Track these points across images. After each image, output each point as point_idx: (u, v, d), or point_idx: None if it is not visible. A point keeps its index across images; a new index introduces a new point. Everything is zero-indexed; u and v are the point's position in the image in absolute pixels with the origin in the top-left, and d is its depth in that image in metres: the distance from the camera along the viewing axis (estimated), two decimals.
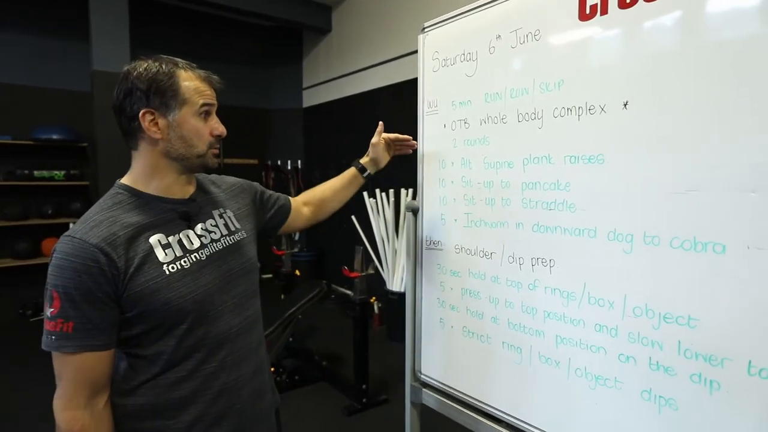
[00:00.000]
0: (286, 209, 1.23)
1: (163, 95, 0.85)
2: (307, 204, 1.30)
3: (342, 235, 4.39)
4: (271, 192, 1.22)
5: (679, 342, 0.87)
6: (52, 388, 0.81)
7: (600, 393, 1.00)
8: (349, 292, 3.03)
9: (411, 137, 1.39)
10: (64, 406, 0.79)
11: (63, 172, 4.35)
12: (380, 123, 1.38)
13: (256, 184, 1.19)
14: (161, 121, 0.86)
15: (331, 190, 1.33)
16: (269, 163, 5.78)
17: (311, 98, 5.66)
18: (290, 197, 1.27)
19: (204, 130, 0.89)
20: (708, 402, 0.84)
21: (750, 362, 0.79)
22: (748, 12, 0.77)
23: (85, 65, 4.21)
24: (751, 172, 0.78)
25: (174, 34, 5.02)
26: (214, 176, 1.10)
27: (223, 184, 1.09)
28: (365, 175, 1.36)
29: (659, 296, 0.90)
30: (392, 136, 1.37)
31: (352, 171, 1.36)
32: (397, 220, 3.87)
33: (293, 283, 3.66)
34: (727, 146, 0.80)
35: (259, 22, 5.42)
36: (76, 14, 4.27)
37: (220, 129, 0.92)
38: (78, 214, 4.38)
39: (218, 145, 0.93)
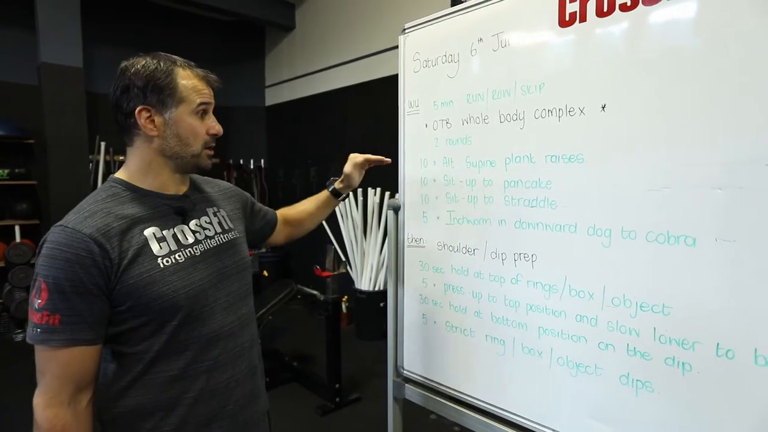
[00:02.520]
0: (273, 224, 1.26)
1: (160, 93, 0.85)
2: (286, 223, 1.32)
3: (308, 236, 4.35)
4: (261, 205, 1.24)
5: (655, 329, 0.94)
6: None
7: (581, 380, 1.05)
8: (315, 292, 3.02)
9: (383, 158, 1.36)
10: (46, 404, 0.76)
11: (7, 171, 4.06)
12: (351, 156, 1.35)
13: (246, 193, 1.19)
14: (157, 119, 0.86)
15: (307, 214, 1.35)
16: (231, 162, 5.64)
17: (274, 96, 5.57)
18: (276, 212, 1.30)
19: (200, 129, 0.89)
20: (681, 383, 0.91)
21: (718, 344, 0.86)
22: (718, 22, 0.84)
23: (32, 57, 3.95)
24: (718, 170, 0.85)
25: (130, 27, 4.80)
26: (207, 178, 1.09)
27: (216, 186, 1.09)
28: (341, 198, 1.38)
29: (636, 287, 0.96)
30: (364, 160, 1.33)
31: (325, 195, 1.36)
32: (365, 221, 3.88)
33: (260, 284, 3.60)
34: (696, 147, 0.87)
35: (218, 17, 5.27)
36: (21, 2, 3.99)
37: (217, 127, 0.92)
38: (26, 216, 4.12)
39: (214, 144, 0.93)
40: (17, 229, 3.96)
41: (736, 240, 0.83)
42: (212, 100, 0.91)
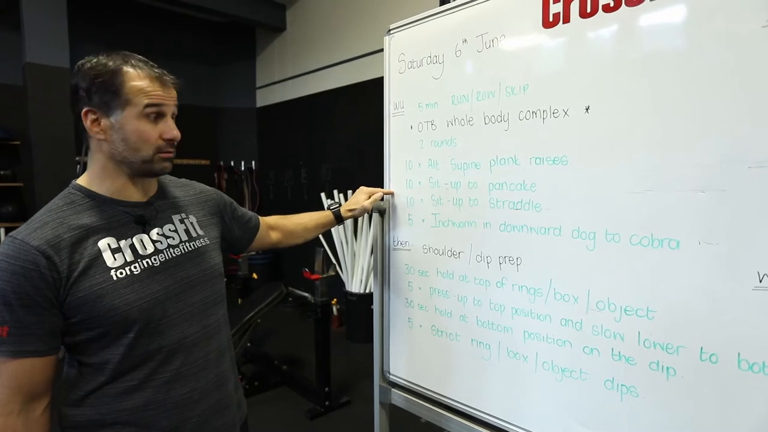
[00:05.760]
0: (255, 230, 1.23)
1: (103, 94, 0.79)
2: (275, 229, 1.31)
3: None
4: (243, 209, 1.21)
5: (639, 333, 0.93)
6: None
7: (566, 384, 1.04)
8: (306, 294, 2.99)
9: (392, 191, 1.46)
10: None
11: None
12: (365, 189, 1.43)
13: (227, 197, 1.16)
14: (104, 122, 0.81)
15: (303, 228, 1.36)
16: (222, 163, 5.60)
17: (265, 98, 5.54)
18: (259, 217, 1.28)
19: (150, 133, 0.82)
20: (665, 387, 0.90)
21: (701, 348, 0.85)
22: (700, 24, 0.84)
23: (17, 57, 3.89)
24: (701, 173, 0.84)
25: (119, 27, 4.75)
26: (183, 180, 1.05)
27: (191, 189, 1.04)
28: (341, 222, 1.44)
29: (620, 290, 0.95)
30: (378, 194, 1.42)
31: (329, 217, 1.39)
32: (356, 223, 3.86)
33: (250, 287, 3.56)
34: (680, 149, 0.86)
35: (209, 17, 5.23)
36: (6, 1, 3.94)
37: (172, 133, 0.85)
38: (11, 219, 4.06)
39: (171, 149, 0.86)
40: (2, 232, 3.89)
41: (719, 243, 0.83)
42: (168, 102, 0.84)
